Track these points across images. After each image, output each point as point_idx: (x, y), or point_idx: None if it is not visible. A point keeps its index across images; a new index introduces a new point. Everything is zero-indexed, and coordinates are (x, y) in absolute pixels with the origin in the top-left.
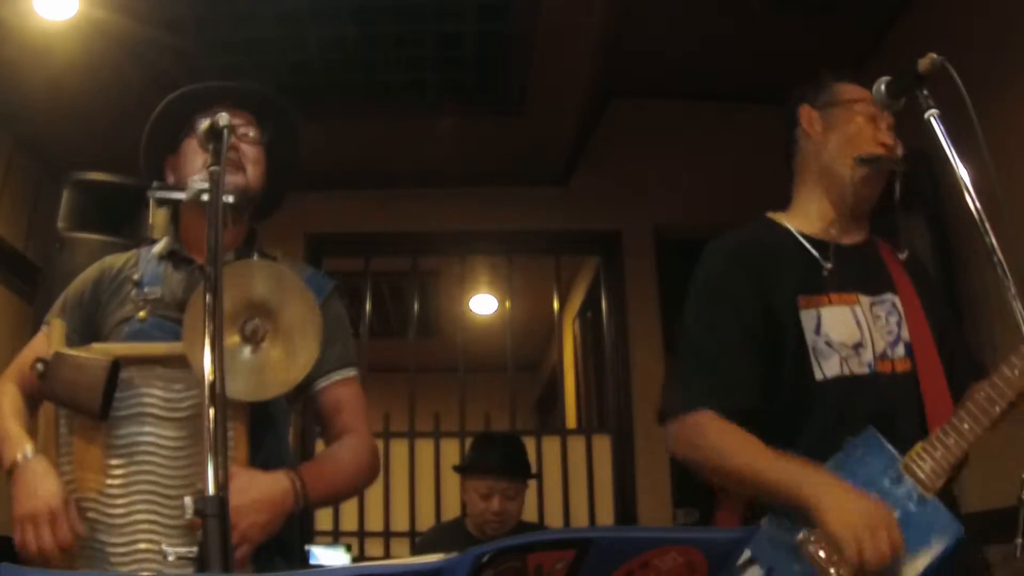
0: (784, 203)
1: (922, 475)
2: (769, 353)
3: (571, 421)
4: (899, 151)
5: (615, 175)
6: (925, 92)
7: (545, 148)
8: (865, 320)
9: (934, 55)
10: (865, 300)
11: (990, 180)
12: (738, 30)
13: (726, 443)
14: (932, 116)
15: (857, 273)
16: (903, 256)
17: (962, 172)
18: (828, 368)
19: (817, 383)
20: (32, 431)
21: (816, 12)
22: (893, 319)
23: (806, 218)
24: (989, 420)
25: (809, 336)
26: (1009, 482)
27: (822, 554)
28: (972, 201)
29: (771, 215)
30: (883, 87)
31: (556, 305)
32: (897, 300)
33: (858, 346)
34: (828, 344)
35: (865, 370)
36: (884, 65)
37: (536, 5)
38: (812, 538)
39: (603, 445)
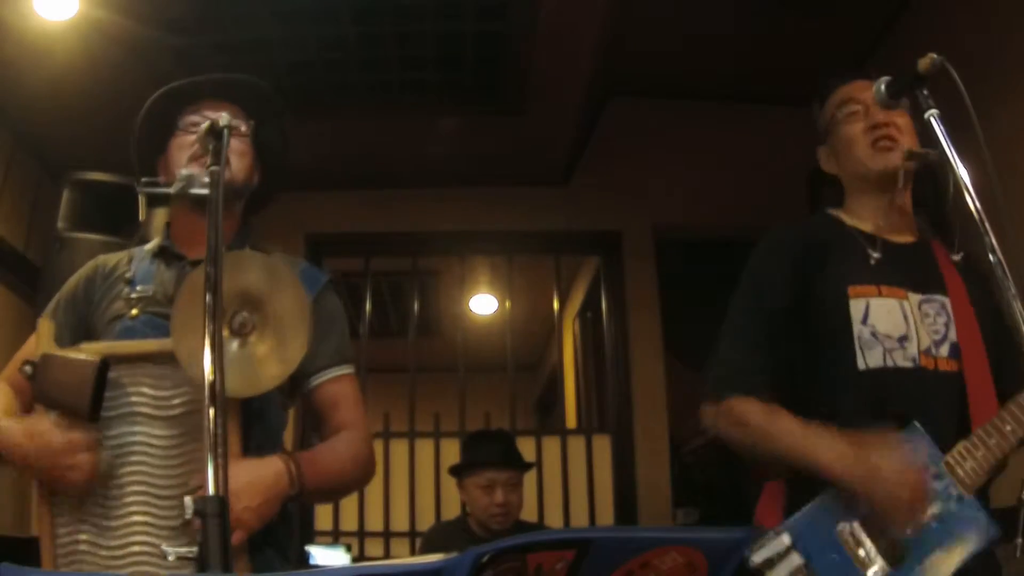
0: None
1: (962, 473)
2: (809, 338)
3: (571, 421)
4: (903, 141)
5: (615, 175)
6: (925, 92)
7: (545, 148)
8: (912, 316)
9: (934, 55)
10: (914, 297)
11: (990, 180)
12: (738, 30)
13: (765, 426)
14: (932, 116)
15: (907, 270)
16: (957, 258)
17: (962, 172)
18: (871, 358)
19: (859, 372)
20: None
21: (816, 12)
22: (941, 320)
23: (858, 214)
24: None
25: (856, 325)
26: (1009, 482)
27: (857, 541)
28: (972, 201)
29: (831, 211)
30: (883, 87)
31: (556, 305)
32: (947, 302)
33: (903, 339)
34: (873, 335)
35: (909, 364)
36: (884, 65)
37: (536, 5)
38: (851, 528)
39: (603, 445)
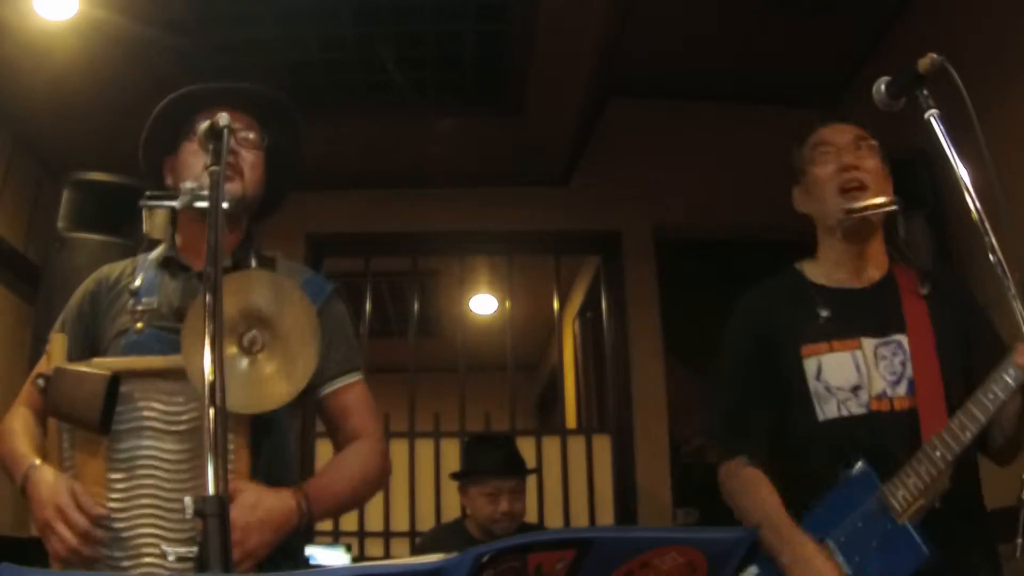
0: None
1: (895, 502)
2: (777, 398)
3: (571, 421)
4: (871, 184)
5: (615, 175)
6: (925, 92)
7: (545, 148)
8: (865, 364)
9: (934, 55)
10: (869, 343)
11: (990, 180)
12: (738, 30)
13: (742, 493)
14: (932, 116)
15: (865, 316)
16: (924, 291)
17: (962, 172)
18: (827, 410)
19: (819, 423)
20: (42, 449)
21: (816, 12)
22: (898, 359)
23: (822, 264)
24: (959, 446)
25: (811, 382)
26: (1009, 482)
27: None
28: (972, 201)
29: (798, 264)
30: (883, 87)
31: (556, 305)
32: (905, 340)
33: (856, 388)
34: (827, 389)
35: (862, 410)
36: (884, 65)
37: (536, 5)
38: None
39: (603, 445)
